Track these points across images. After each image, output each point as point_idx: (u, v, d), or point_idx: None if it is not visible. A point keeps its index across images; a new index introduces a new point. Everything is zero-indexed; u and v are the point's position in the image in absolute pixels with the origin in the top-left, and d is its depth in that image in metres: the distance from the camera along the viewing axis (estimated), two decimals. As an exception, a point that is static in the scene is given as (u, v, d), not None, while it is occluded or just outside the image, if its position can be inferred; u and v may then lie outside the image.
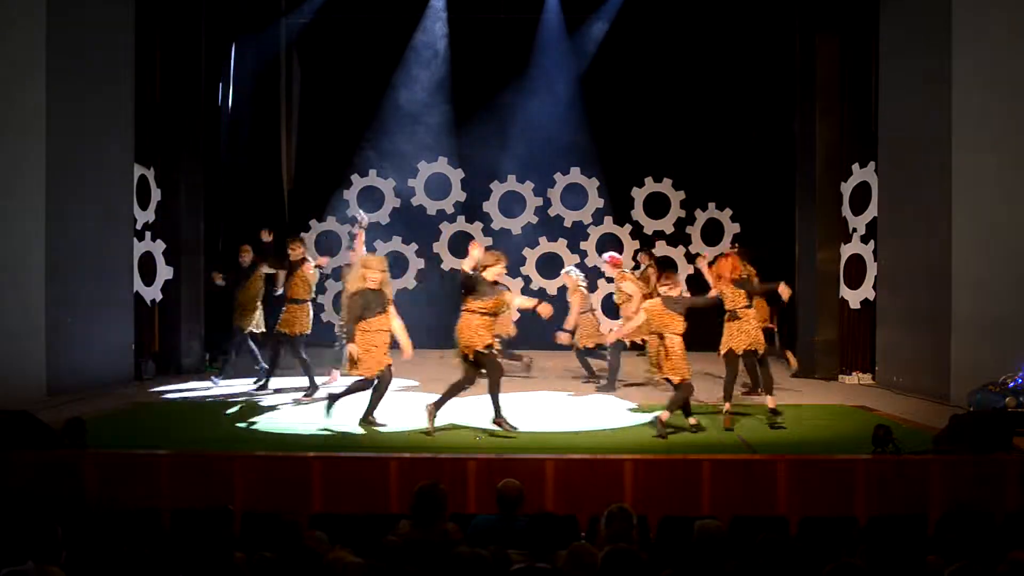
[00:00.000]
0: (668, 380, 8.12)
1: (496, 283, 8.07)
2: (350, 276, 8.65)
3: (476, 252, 8.01)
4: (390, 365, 8.32)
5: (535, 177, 15.09)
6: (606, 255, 11.28)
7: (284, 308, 10.00)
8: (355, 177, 15.15)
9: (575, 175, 15.17)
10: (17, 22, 9.44)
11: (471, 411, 9.15)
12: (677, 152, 14.87)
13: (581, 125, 14.42)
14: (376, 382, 8.26)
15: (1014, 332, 8.86)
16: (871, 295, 11.44)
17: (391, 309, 8.39)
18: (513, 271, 14.91)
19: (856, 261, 11.69)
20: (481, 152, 14.85)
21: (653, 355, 8.58)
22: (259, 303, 10.87)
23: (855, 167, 11.70)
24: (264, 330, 10.88)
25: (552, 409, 9.33)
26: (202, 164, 12.60)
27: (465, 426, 8.43)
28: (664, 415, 7.99)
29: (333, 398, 8.35)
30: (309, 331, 10.11)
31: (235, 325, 10.84)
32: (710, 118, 14.61)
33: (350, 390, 8.30)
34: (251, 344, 10.85)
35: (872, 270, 11.42)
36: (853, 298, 11.74)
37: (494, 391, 8.01)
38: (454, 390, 8.08)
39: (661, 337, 8.14)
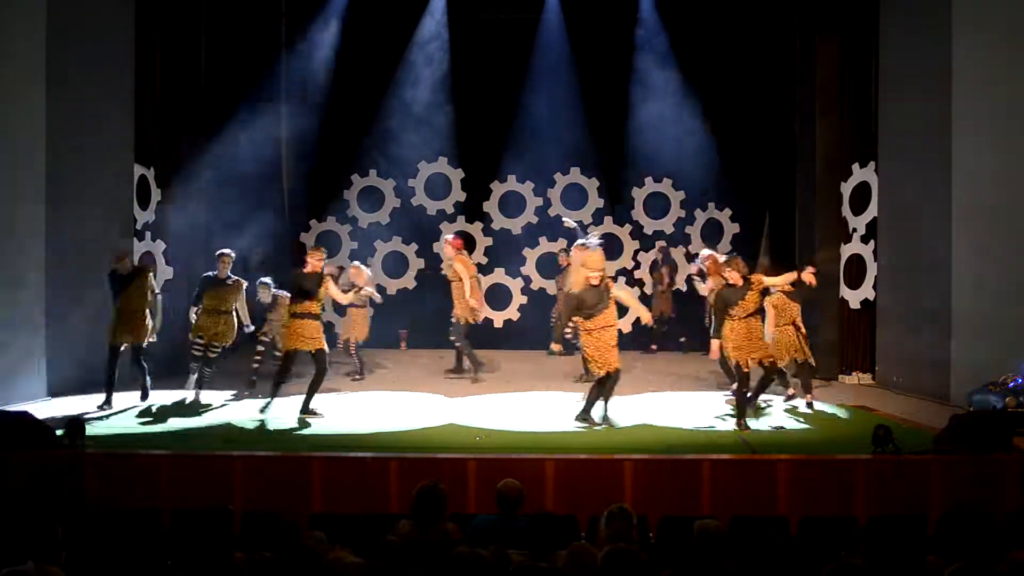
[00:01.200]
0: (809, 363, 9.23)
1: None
2: (571, 276, 8.72)
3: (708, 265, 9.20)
4: (618, 368, 8.40)
5: (535, 177, 15.07)
6: (446, 236, 11.19)
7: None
8: (355, 177, 15.15)
9: (575, 175, 15.16)
10: (17, 22, 9.45)
11: (471, 411, 9.16)
12: (677, 152, 14.86)
13: (581, 125, 14.42)
14: (607, 378, 8.36)
15: (1014, 332, 8.86)
16: (871, 295, 11.44)
17: (614, 287, 8.55)
18: (513, 271, 14.95)
19: (856, 261, 11.69)
20: (481, 152, 14.86)
21: (793, 345, 9.33)
22: (144, 315, 9.42)
23: (855, 167, 11.70)
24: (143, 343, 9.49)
25: (552, 409, 9.32)
26: (202, 164, 12.59)
27: (465, 426, 8.44)
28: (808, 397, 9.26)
29: (588, 404, 8.44)
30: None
31: (112, 341, 9.37)
32: (710, 118, 14.59)
33: (593, 393, 8.43)
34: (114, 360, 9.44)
35: (872, 270, 11.41)
36: (853, 298, 11.74)
37: (741, 398, 8.48)
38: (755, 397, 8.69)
39: (797, 328, 9.25)
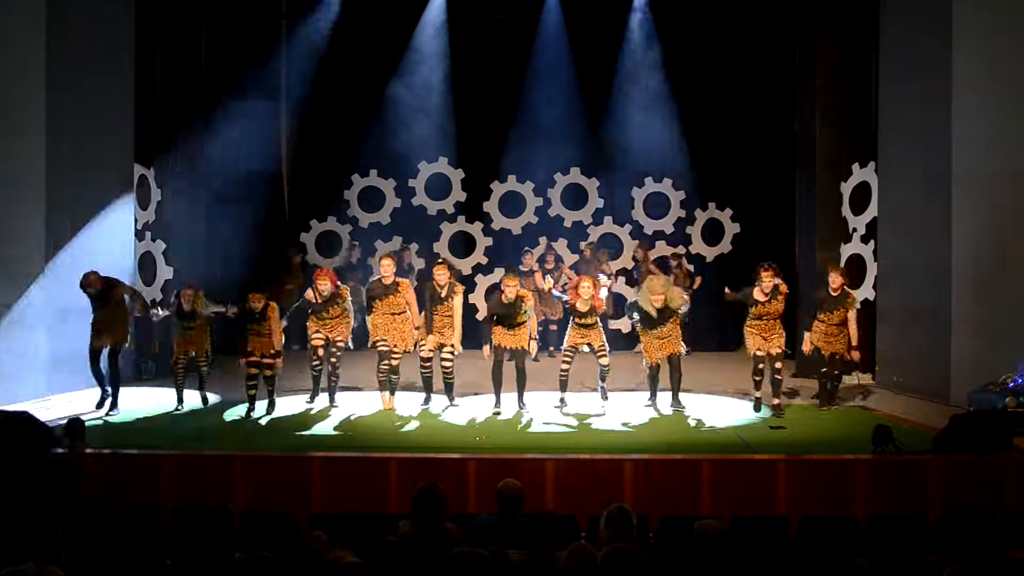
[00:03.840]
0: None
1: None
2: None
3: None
4: (667, 354, 9.30)
5: (535, 177, 15.06)
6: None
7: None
8: (355, 177, 15.13)
9: (575, 175, 15.15)
10: (16, 22, 9.45)
11: (471, 411, 9.17)
12: (677, 152, 14.85)
13: (581, 125, 14.41)
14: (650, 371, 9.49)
15: (1014, 332, 8.86)
16: (871, 295, 11.44)
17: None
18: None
19: (856, 261, 11.68)
20: (481, 152, 14.85)
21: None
22: (125, 320, 9.55)
23: (855, 167, 11.69)
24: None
25: (552, 409, 9.32)
26: (202, 164, 12.60)
27: (465, 426, 8.44)
28: None
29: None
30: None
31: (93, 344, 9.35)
32: (710, 118, 14.59)
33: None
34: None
35: (872, 270, 11.40)
36: (853, 298, 11.73)
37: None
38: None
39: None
